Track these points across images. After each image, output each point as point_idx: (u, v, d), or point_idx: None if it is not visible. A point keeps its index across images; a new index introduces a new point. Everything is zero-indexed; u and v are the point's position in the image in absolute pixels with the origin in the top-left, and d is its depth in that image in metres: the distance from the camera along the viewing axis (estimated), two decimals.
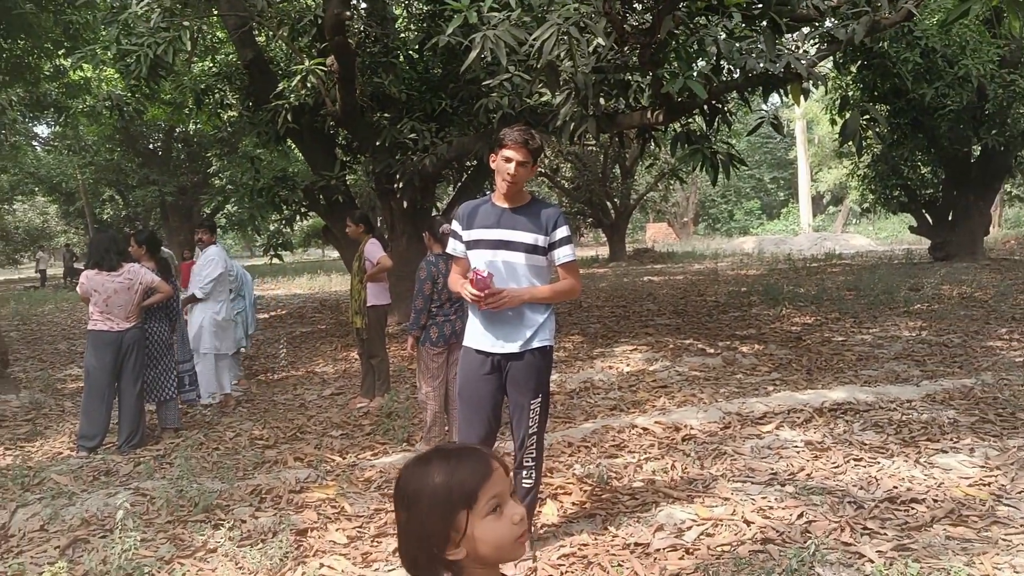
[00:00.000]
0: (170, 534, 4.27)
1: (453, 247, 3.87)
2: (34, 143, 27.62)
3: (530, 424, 3.73)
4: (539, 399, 3.73)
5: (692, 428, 5.74)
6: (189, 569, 3.72)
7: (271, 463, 5.60)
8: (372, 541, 4.10)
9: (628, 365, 8.32)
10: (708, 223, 51.60)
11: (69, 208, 32.55)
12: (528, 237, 3.64)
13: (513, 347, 3.66)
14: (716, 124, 8.43)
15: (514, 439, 3.85)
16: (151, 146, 27.04)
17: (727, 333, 9.97)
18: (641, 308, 13.03)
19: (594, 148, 24.73)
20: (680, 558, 3.65)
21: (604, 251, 29.87)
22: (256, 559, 3.81)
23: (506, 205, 3.72)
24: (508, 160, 3.59)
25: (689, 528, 3.98)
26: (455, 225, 3.85)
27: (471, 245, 3.76)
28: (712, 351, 8.78)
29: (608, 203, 26.77)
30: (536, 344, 3.67)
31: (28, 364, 10.56)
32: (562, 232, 3.69)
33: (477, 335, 3.75)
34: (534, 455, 3.78)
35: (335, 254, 31.43)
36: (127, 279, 6.18)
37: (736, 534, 3.87)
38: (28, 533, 4.40)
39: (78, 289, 6.41)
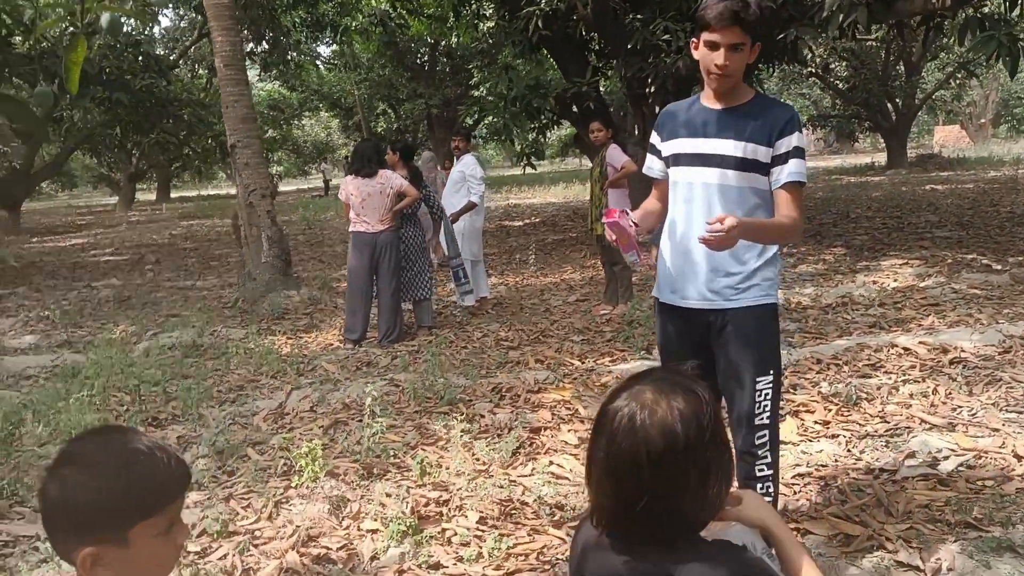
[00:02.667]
0: (416, 423, 4.56)
1: (649, 165, 2.92)
2: (317, 62, 29.90)
3: (757, 410, 2.68)
4: (770, 376, 2.68)
5: (963, 351, 5.16)
6: (429, 456, 3.94)
7: (513, 363, 5.79)
8: None
9: (895, 280, 7.64)
10: (1011, 124, 45.60)
11: (348, 122, 35.14)
12: (741, 148, 2.62)
13: (721, 301, 2.69)
14: (1020, 5, 7.30)
15: (732, 425, 2.73)
16: (418, 61, 28.43)
17: (1019, 248, 8.84)
18: (918, 219, 11.90)
19: (874, 43, 22.50)
20: (931, 488, 3.31)
21: (882, 157, 27.47)
22: (489, 452, 3.96)
23: (718, 105, 2.69)
24: (713, 47, 2.54)
25: (946, 458, 3.59)
26: (653, 137, 2.90)
27: (671, 161, 2.80)
28: (999, 267, 7.83)
29: (889, 104, 24.38)
30: (755, 300, 2.68)
31: (309, 264, 11.66)
32: (793, 141, 2.61)
33: (667, 282, 2.82)
34: (768, 460, 2.71)
35: (590, 163, 31.49)
36: (380, 184, 6.58)
37: (1002, 469, 3.44)
38: (299, 412, 4.92)
39: (339, 194, 6.92)
